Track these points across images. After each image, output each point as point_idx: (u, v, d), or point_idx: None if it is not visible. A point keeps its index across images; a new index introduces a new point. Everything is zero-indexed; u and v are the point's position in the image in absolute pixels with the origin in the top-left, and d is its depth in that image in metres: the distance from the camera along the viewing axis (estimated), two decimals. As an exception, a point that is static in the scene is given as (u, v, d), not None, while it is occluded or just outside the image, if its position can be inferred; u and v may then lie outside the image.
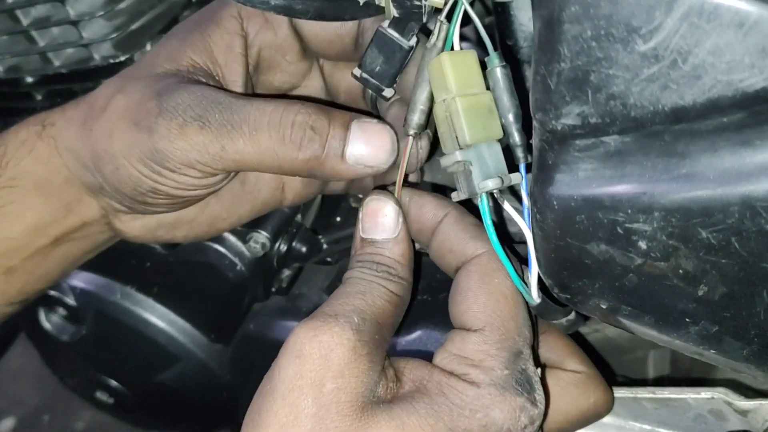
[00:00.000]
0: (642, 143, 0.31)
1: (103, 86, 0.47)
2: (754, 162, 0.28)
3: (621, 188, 0.31)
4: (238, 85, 0.47)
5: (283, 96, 0.51)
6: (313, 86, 0.51)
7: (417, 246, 0.47)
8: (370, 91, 0.47)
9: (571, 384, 0.43)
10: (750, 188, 0.28)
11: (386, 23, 0.44)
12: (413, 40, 0.44)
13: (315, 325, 0.37)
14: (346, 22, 0.46)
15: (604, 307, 0.36)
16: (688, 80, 0.28)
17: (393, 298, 0.40)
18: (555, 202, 0.33)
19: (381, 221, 0.42)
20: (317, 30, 0.47)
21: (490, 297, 0.39)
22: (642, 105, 0.29)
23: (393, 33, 0.43)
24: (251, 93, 0.49)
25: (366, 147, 0.43)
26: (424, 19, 0.43)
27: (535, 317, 0.43)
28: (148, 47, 0.56)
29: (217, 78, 0.46)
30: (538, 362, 0.41)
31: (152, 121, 0.42)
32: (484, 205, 0.40)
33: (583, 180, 0.32)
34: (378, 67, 0.44)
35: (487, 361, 0.38)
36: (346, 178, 0.45)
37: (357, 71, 0.45)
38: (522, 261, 0.42)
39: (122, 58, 0.54)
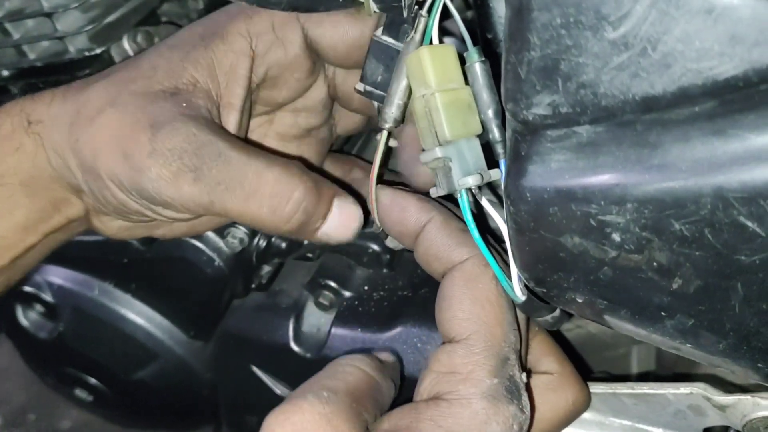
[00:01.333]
0: (614, 133, 0.30)
1: (94, 90, 0.45)
2: (726, 152, 0.28)
3: (593, 179, 0.31)
4: (235, 108, 0.46)
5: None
6: (314, 96, 0.50)
7: (398, 245, 0.47)
8: (376, 103, 0.46)
9: (548, 389, 0.43)
10: (722, 179, 0.28)
11: (379, 31, 0.43)
12: (407, 40, 0.43)
13: (284, 409, 0.36)
14: (365, 31, 0.45)
15: (579, 301, 0.36)
16: (658, 68, 0.27)
17: (366, 376, 0.39)
18: (528, 194, 0.33)
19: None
20: (334, 42, 0.46)
21: (474, 303, 0.39)
22: (612, 94, 0.29)
23: (388, 39, 0.43)
24: (248, 114, 0.48)
25: (338, 226, 0.44)
26: (405, 14, 0.42)
27: (527, 321, 0.43)
28: (125, 41, 0.55)
29: (216, 99, 0.45)
30: (523, 366, 0.41)
31: (143, 161, 0.41)
32: (464, 202, 0.39)
33: (555, 171, 0.32)
34: (379, 77, 0.43)
35: (475, 372, 0.37)
36: None
37: (360, 86, 0.44)
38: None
39: (98, 51, 0.53)
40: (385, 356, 0.44)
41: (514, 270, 0.39)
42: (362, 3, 0.42)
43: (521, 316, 0.42)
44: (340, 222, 0.44)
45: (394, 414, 0.38)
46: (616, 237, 0.31)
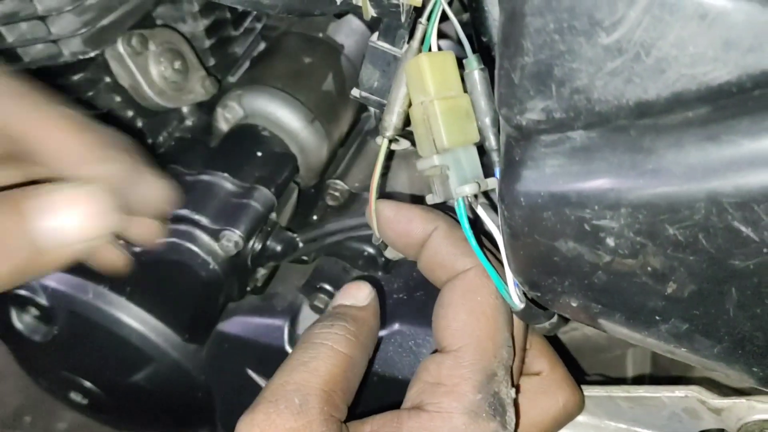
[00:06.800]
0: (608, 138, 0.30)
1: None
2: (720, 157, 0.28)
3: (588, 184, 0.31)
4: None
5: None
6: None
7: (398, 256, 0.46)
8: (374, 110, 0.46)
9: (538, 392, 0.43)
10: (716, 184, 0.28)
11: (375, 36, 0.43)
12: (405, 48, 0.43)
13: (255, 420, 0.36)
14: None
15: (574, 305, 0.36)
16: (652, 74, 0.27)
17: (341, 358, 0.39)
18: (522, 199, 0.33)
19: (353, 293, 0.43)
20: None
21: (470, 315, 0.39)
22: (606, 99, 0.29)
23: (384, 45, 0.43)
24: None
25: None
26: (403, 18, 0.42)
27: (526, 329, 0.43)
28: (119, 44, 0.55)
29: None
30: (514, 381, 0.41)
31: None
32: (462, 210, 0.39)
33: (549, 176, 0.32)
34: (376, 83, 0.43)
35: (460, 385, 0.37)
36: None
37: (356, 91, 0.43)
38: None
39: (92, 54, 0.53)
40: (365, 291, 0.43)
41: (510, 277, 0.39)
42: (359, 7, 0.42)
43: (521, 325, 0.42)
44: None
45: (377, 419, 0.38)
46: (610, 241, 0.31)
